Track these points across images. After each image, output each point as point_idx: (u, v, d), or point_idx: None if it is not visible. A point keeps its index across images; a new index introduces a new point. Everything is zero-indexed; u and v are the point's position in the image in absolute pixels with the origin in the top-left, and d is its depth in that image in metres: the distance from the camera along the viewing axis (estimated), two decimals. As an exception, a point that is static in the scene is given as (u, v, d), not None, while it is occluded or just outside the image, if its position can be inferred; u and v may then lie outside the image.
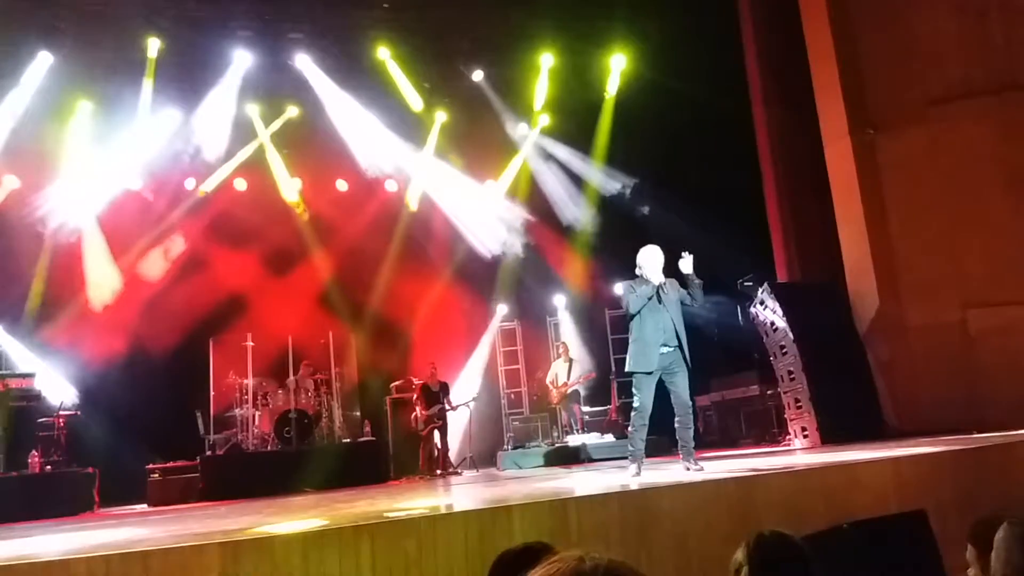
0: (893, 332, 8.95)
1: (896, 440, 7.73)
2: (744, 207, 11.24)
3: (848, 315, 9.39)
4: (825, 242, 9.93)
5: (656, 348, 6.36)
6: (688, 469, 6.26)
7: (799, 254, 10.54)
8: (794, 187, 10.62)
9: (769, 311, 9.35)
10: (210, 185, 12.95)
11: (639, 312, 6.40)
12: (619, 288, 6.76)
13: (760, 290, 9.51)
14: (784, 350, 9.22)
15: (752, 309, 9.66)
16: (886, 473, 5.17)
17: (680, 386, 6.41)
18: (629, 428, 6.60)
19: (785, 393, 9.28)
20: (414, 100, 13.21)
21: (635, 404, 6.43)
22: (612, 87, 13.33)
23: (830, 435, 8.55)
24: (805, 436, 8.92)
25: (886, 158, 9.38)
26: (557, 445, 11.53)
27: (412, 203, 13.90)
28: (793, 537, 2.40)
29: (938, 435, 7.48)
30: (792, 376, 9.10)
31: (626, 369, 6.55)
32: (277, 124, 13.15)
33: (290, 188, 13.36)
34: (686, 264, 6.55)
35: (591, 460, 10.80)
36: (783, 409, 9.45)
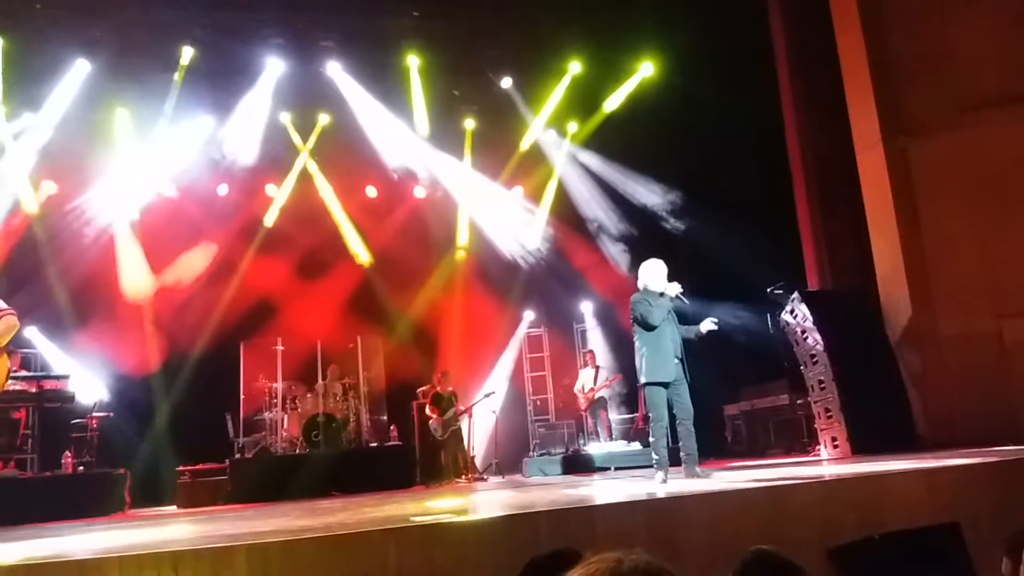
0: (926, 342, 8.80)
1: (928, 451, 7.59)
2: (775, 214, 11.14)
3: (880, 324, 9.25)
4: (857, 250, 9.81)
5: (672, 359, 6.52)
6: (695, 477, 6.29)
7: (830, 262, 10.40)
8: (825, 194, 10.50)
9: (799, 319, 9.25)
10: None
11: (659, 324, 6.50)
12: (635, 301, 6.70)
13: (791, 298, 9.41)
14: (815, 359, 9.11)
15: (782, 317, 9.56)
16: (918, 484, 5.08)
17: (685, 396, 6.56)
18: (650, 438, 6.68)
19: (815, 403, 9.16)
20: (443, 107, 13.31)
21: (653, 415, 6.54)
22: (641, 94, 13.30)
23: (861, 446, 8.42)
24: (835, 446, 8.80)
25: (919, 165, 9.24)
26: (583, 452, 11.49)
27: (441, 208, 13.96)
28: (784, 555, 2.34)
29: (972, 447, 7.33)
30: (823, 385, 8.98)
31: (643, 381, 6.58)
32: (313, 136, 13.26)
33: (323, 194, 13.50)
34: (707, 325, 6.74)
35: (618, 468, 10.75)
36: (813, 419, 9.33)
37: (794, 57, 10.82)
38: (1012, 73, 8.76)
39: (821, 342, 8.97)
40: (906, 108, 9.37)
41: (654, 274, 6.74)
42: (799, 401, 10.22)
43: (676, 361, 6.52)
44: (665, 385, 6.49)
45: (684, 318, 6.91)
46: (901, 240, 9.06)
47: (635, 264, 13.10)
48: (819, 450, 9.20)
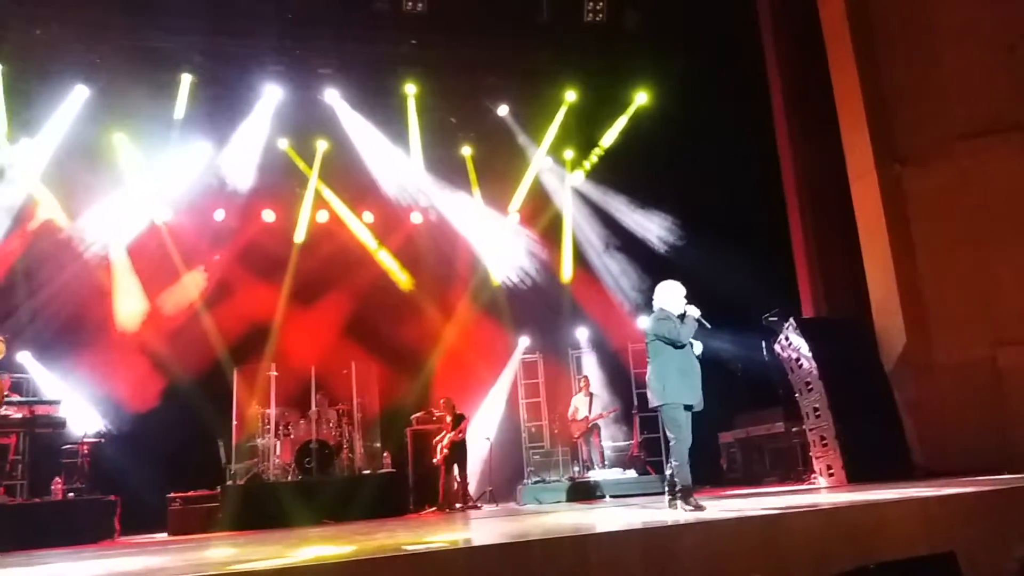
0: (920, 370, 8.79)
1: (924, 480, 7.56)
2: (770, 242, 11.18)
3: (875, 352, 9.25)
4: (851, 277, 9.83)
5: (696, 381, 6.29)
6: (687, 509, 6.07)
7: (825, 289, 10.43)
8: (820, 222, 10.55)
9: (794, 347, 9.25)
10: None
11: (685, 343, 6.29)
12: (659, 319, 6.40)
13: (785, 325, 9.41)
14: (810, 387, 9.10)
15: (777, 345, 9.56)
16: (914, 514, 5.05)
17: (690, 423, 6.32)
18: (673, 462, 6.30)
19: (811, 431, 9.13)
20: (440, 133, 13.40)
21: (677, 437, 6.21)
22: (637, 123, 13.41)
23: (856, 474, 8.39)
24: (831, 475, 8.76)
25: (913, 193, 9.29)
26: (578, 480, 11.41)
27: (436, 234, 14.00)
28: None
29: (967, 475, 7.30)
30: (818, 413, 8.96)
31: (668, 400, 6.22)
32: (317, 161, 13.30)
33: (316, 220, 13.54)
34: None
35: (613, 496, 10.68)
36: (808, 447, 9.30)
37: (788, 86, 10.93)
38: (1004, 102, 8.84)
39: (816, 370, 8.96)
40: (900, 137, 9.43)
41: (672, 295, 6.47)
42: (794, 429, 10.18)
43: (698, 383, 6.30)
44: (689, 407, 6.25)
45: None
46: (895, 268, 9.08)
47: (630, 290, 13.34)
48: (815, 478, 9.16)
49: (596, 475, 11.38)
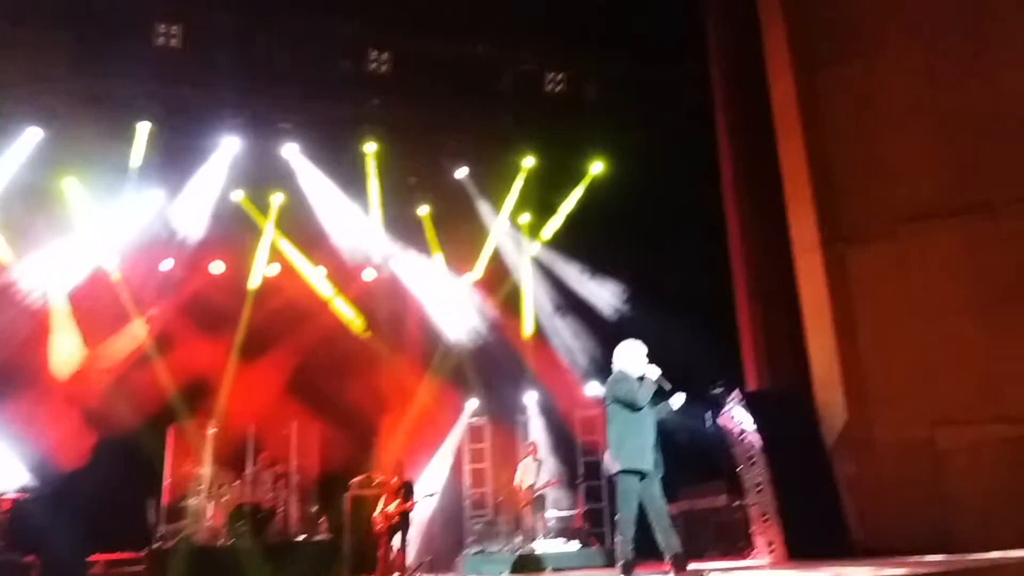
0: (860, 446, 8.74)
1: (862, 558, 7.48)
2: (716, 314, 11.24)
3: (817, 426, 9.21)
4: (795, 352, 9.83)
5: (651, 446, 6.09)
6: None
7: (769, 363, 10.42)
8: (765, 296, 10.60)
9: (738, 420, 9.21)
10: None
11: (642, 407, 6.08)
12: (616, 380, 6.25)
13: (730, 398, 9.37)
14: (752, 460, 9.02)
15: (722, 417, 9.50)
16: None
17: (658, 491, 6.11)
18: (617, 537, 6.08)
19: (753, 505, 9.03)
20: (398, 192, 13.43)
21: (623, 509, 5.97)
22: (592, 191, 13.59)
23: (796, 551, 8.27)
24: (772, 551, 8.62)
25: (856, 272, 9.39)
26: (519, 552, 11.09)
27: (389, 292, 13.89)
28: None
29: (905, 555, 7.23)
30: (760, 488, 8.87)
31: (621, 467, 5.97)
32: (273, 214, 13.21)
33: (268, 272, 13.37)
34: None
35: (556, 569, 10.40)
36: (751, 521, 9.17)
37: (738, 162, 11.13)
38: (945, 188, 9.02)
39: (759, 444, 8.90)
40: (844, 216, 9.58)
41: (632, 356, 6.31)
42: (737, 503, 10.05)
43: (653, 450, 6.08)
44: (641, 476, 5.99)
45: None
46: (837, 344, 9.11)
47: (578, 356, 13.29)
48: (756, 554, 9.01)
49: (538, 546, 11.09)
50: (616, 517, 6.08)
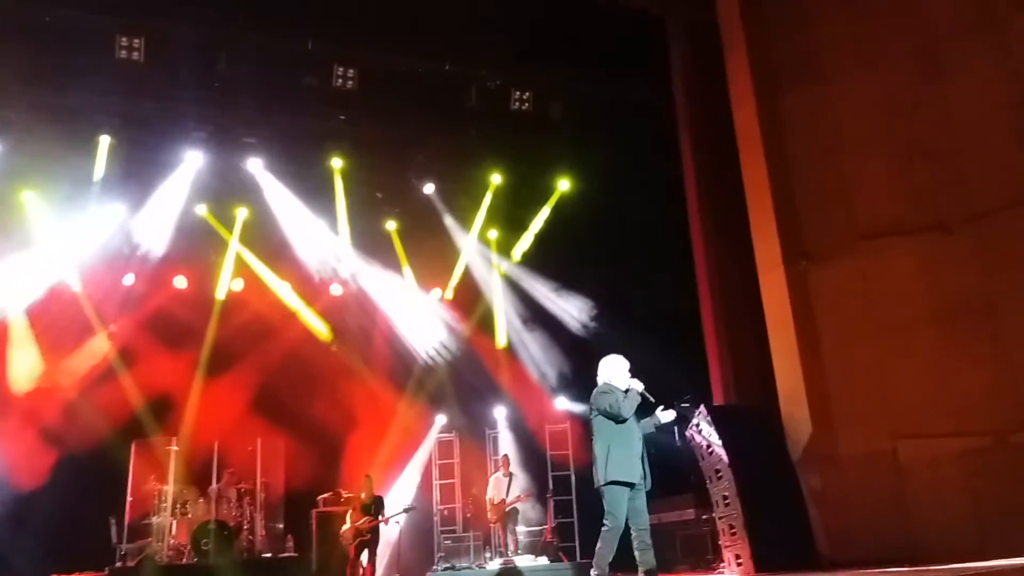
0: (825, 460, 8.96)
1: (828, 571, 7.66)
2: (683, 329, 11.43)
3: (782, 441, 9.42)
4: (760, 367, 10.05)
5: (639, 458, 6.17)
6: None
7: (735, 378, 10.64)
8: (730, 312, 10.82)
9: (705, 434, 9.36)
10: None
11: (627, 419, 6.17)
12: (601, 392, 6.34)
13: (697, 412, 9.52)
14: (720, 474, 9.17)
15: (689, 431, 9.65)
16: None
17: (643, 503, 6.19)
18: (599, 546, 6.10)
19: (720, 518, 9.16)
20: (364, 207, 13.40)
21: (609, 520, 6.03)
22: (560, 208, 13.73)
23: (764, 564, 8.42)
24: (739, 564, 8.77)
25: (819, 288, 9.63)
26: (489, 568, 11.11)
27: (355, 307, 13.83)
28: None
29: (870, 566, 7.43)
30: (727, 501, 9.01)
31: (607, 479, 6.06)
32: (237, 228, 13.07)
33: (232, 287, 13.22)
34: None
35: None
36: (719, 535, 9.32)
37: (703, 181, 11.36)
38: (903, 207, 9.31)
39: (726, 458, 9.06)
40: (806, 234, 9.83)
41: (616, 370, 6.44)
42: (705, 516, 10.20)
43: (641, 463, 6.18)
44: (630, 486, 6.09)
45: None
46: (801, 360, 9.33)
47: (548, 371, 13.38)
48: (724, 567, 9.15)
49: (508, 561, 11.12)
50: (604, 530, 6.09)
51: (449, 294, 14.40)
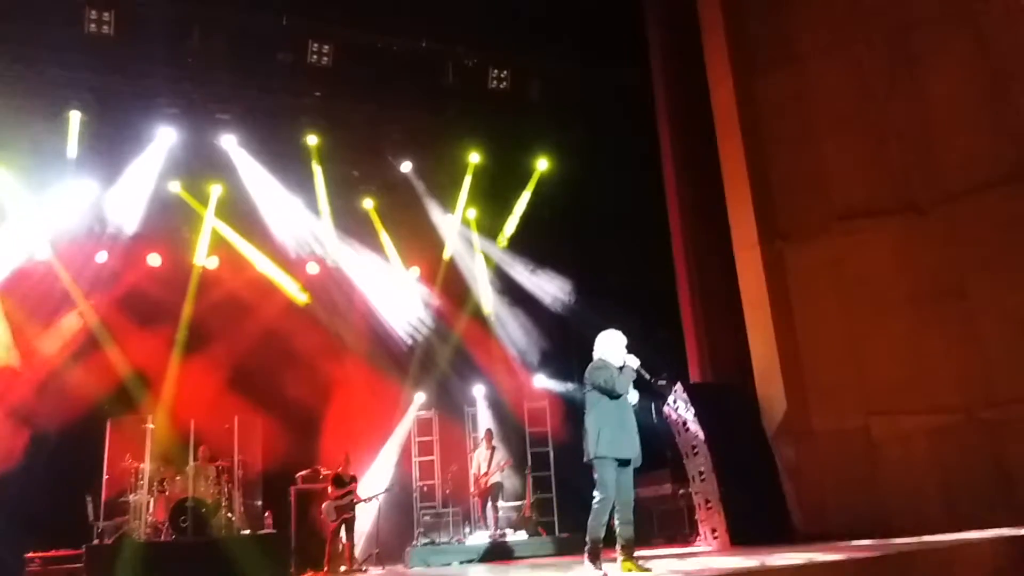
0: (799, 436, 9.17)
1: (802, 544, 7.86)
2: (660, 307, 11.56)
3: (757, 417, 9.62)
4: (736, 345, 10.22)
5: (631, 434, 6.21)
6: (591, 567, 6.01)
7: (711, 356, 10.79)
8: (706, 291, 10.96)
9: (681, 411, 9.52)
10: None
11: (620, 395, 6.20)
12: (596, 368, 6.33)
13: (674, 389, 9.67)
14: (695, 450, 9.36)
15: (666, 408, 9.81)
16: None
17: (631, 480, 6.25)
18: (591, 519, 6.10)
19: (696, 493, 9.37)
20: (341, 185, 13.31)
21: (601, 493, 6.04)
22: (538, 187, 13.76)
23: (739, 537, 8.64)
24: (715, 537, 8.98)
25: (793, 268, 9.80)
26: (468, 542, 11.24)
27: (332, 286, 13.78)
28: None
29: (844, 539, 7.64)
30: (703, 477, 9.21)
31: (597, 454, 6.06)
32: (211, 205, 12.90)
33: (207, 265, 13.10)
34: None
35: (506, 559, 10.58)
36: (694, 509, 9.52)
37: (680, 161, 11.43)
38: (877, 187, 9.48)
39: (701, 434, 9.24)
40: (782, 214, 9.98)
41: (613, 346, 6.41)
42: (681, 491, 10.42)
43: (633, 439, 6.19)
44: (619, 463, 6.10)
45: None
46: (776, 337, 9.51)
47: (526, 348, 13.48)
48: (700, 540, 9.36)
49: (488, 536, 11.26)
50: (594, 502, 6.11)
51: (427, 272, 14.36)
